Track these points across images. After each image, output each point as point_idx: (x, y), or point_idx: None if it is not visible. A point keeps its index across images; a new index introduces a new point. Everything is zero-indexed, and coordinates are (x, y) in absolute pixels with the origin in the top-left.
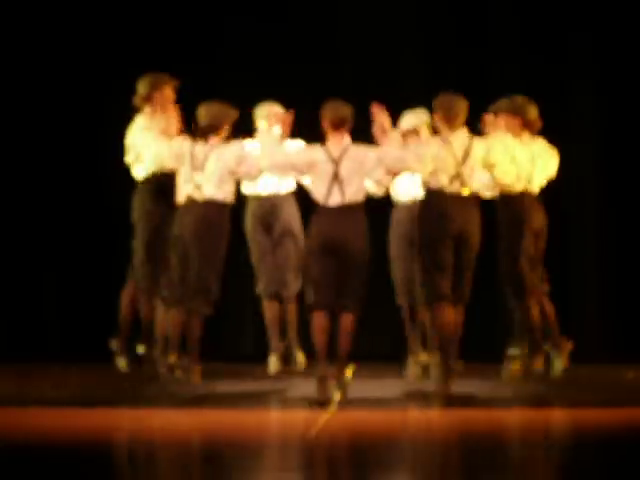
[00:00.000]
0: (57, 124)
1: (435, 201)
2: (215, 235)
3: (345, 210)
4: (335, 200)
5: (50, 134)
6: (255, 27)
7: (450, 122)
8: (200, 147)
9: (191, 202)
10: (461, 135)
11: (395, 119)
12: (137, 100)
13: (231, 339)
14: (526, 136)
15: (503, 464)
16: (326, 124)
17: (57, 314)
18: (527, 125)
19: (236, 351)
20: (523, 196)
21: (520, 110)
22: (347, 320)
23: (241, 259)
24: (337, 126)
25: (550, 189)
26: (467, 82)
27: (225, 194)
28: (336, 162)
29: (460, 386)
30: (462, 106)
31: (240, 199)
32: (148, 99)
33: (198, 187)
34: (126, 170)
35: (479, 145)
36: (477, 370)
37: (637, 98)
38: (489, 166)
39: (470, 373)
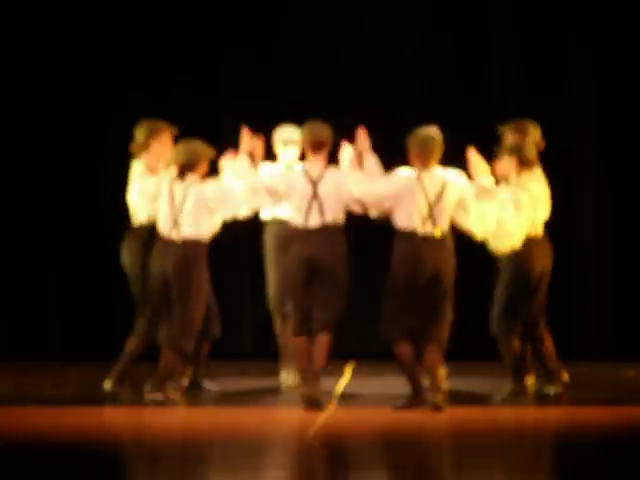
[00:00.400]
0: (60, 131)
1: (407, 243)
2: (196, 274)
3: (324, 231)
4: (314, 221)
5: (53, 138)
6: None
7: (424, 159)
8: (178, 186)
9: (169, 241)
10: (435, 174)
11: (395, 126)
12: (134, 147)
13: (230, 338)
14: (525, 176)
15: (502, 462)
16: (305, 146)
17: (57, 313)
18: (525, 164)
19: (235, 350)
20: (528, 243)
21: (515, 151)
22: (324, 340)
23: (240, 259)
24: (316, 148)
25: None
26: (466, 88)
27: (202, 233)
28: (315, 183)
29: (459, 384)
30: (437, 143)
31: (255, 225)
32: (145, 147)
33: (175, 226)
34: (127, 172)
35: (453, 186)
36: (476, 368)
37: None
38: (461, 210)
39: (469, 371)
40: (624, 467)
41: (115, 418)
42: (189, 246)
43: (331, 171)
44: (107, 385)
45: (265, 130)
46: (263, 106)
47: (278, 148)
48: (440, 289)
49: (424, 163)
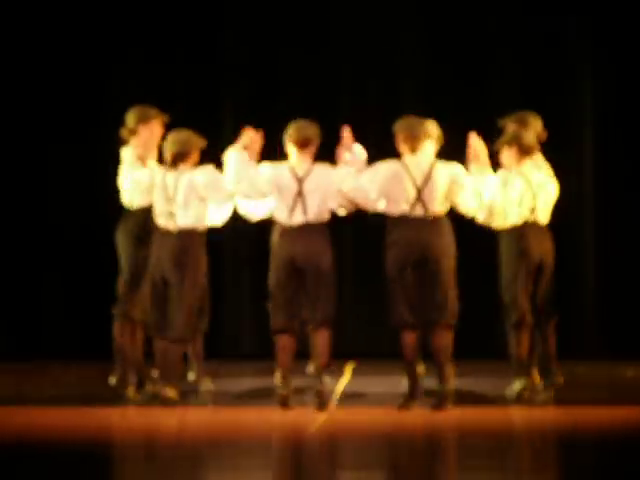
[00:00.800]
0: (56, 125)
1: (397, 228)
2: (193, 262)
3: (308, 228)
4: (298, 219)
5: (50, 134)
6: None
7: (411, 144)
8: (170, 176)
9: (166, 232)
10: (422, 158)
11: (392, 119)
12: (124, 132)
13: (229, 338)
14: (526, 164)
15: (501, 463)
16: (291, 143)
17: (56, 313)
18: (525, 152)
19: (235, 350)
20: (524, 227)
21: (514, 140)
22: (323, 337)
23: (241, 259)
24: (302, 146)
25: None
26: (465, 82)
27: (197, 222)
28: (300, 181)
29: (459, 383)
30: (424, 128)
31: (255, 223)
32: (134, 132)
33: (171, 217)
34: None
35: (442, 169)
36: (475, 368)
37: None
38: (456, 190)
39: (468, 371)
40: (624, 467)
41: (114, 418)
42: (185, 235)
43: (317, 168)
44: (112, 380)
45: (266, 127)
46: (263, 104)
47: (289, 147)
48: (432, 271)
49: (411, 148)
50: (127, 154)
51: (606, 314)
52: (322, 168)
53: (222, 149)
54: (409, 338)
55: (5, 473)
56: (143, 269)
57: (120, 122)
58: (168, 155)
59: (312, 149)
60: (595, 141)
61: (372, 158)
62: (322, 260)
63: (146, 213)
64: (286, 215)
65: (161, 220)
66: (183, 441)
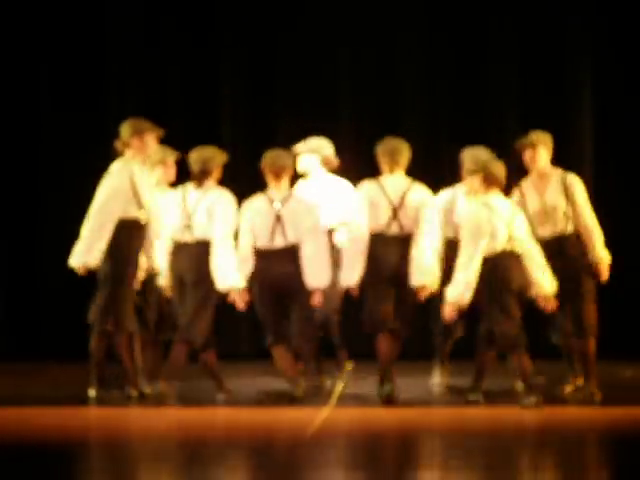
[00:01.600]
0: (53, 125)
1: (373, 243)
2: (209, 272)
3: (288, 250)
4: (278, 242)
5: (47, 132)
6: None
7: (391, 165)
8: (193, 193)
9: (182, 244)
10: (398, 178)
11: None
12: (119, 144)
13: (227, 338)
14: (495, 192)
15: (500, 462)
16: (267, 173)
17: (55, 314)
18: (491, 182)
19: (232, 350)
20: (503, 255)
21: (482, 170)
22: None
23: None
24: (278, 175)
25: None
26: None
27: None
28: (277, 207)
29: (457, 383)
30: (404, 150)
31: None
32: (128, 145)
33: (189, 229)
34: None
35: (417, 189)
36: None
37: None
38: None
39: (466, 371)
40: (622, 466)
41: (114, 419)
42: (203, 245)
43: (295, 196)
44: (91, 393)
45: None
46: (261, 103)
47: (266, 175)
48: (405, 287)
49: (391, 169)
50: (118, 166)
51: (605, 314)
52: (299, 197)
53: (220, 147)
54: (383, 343)
55: (3, 473)
56: (124, 283)
57: (118, 123)
58: (191, 173)
59: (287, 176)
60: (595, 138)
61: (371, 153)
62: (299, 283)
63: (118, 228)
64: (267, 239)
65: (177, 234)
66: (181, 441)
